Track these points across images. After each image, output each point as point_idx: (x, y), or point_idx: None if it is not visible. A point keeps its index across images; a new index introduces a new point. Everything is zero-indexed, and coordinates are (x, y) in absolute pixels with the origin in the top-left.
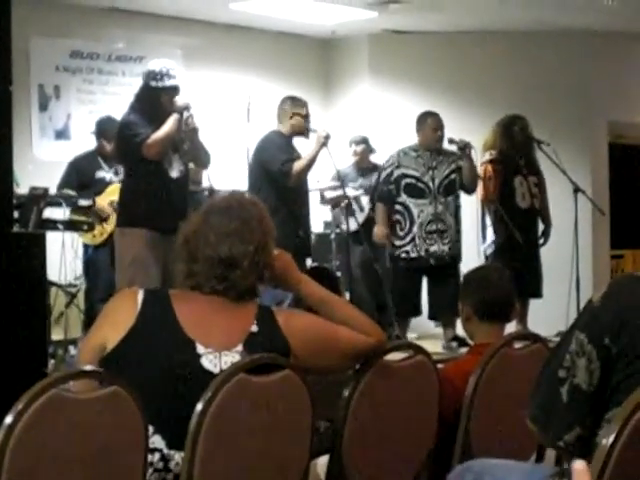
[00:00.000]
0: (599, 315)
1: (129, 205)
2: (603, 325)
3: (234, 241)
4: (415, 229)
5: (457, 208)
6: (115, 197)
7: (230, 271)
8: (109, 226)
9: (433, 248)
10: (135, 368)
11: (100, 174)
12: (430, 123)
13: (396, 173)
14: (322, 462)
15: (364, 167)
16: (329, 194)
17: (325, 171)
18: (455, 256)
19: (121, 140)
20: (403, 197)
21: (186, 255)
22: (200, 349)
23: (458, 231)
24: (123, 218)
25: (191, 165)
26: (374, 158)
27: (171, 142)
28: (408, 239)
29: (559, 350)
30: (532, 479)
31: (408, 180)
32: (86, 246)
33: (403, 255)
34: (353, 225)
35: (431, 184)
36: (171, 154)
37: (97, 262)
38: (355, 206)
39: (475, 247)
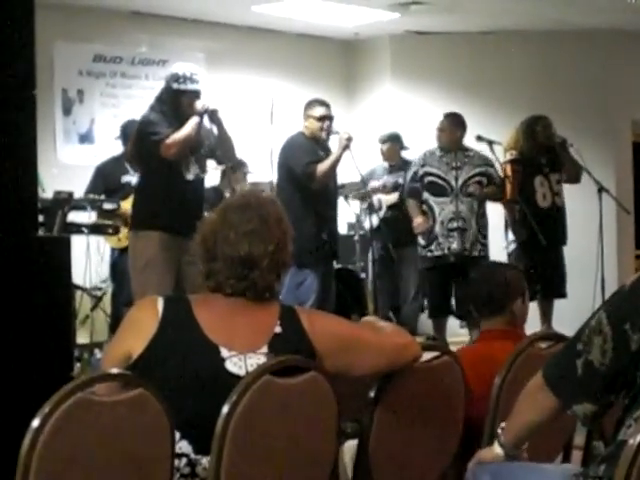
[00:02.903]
0: (625, 300)
1: (143, 207)
2: (626, 310)
3: (253, 240)
4: (437, 227)
5: (485, 213)
6: None
7: (249, 270)
8: None
9: (454, 246)
10: (160, 376)
11: (126, 178)
12: (439, 124)
13: (421, 172)
14: (349, 446)
15: (393, 164)
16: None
17: (349, 173)
18: (476, 257)
19: (140, 138)
20: (425, 195)
21: (204, 254)
22: (224, 353)
23: (482, 233)
24: (137, 221)
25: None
26: (406, 154)
27: (190, 144)
28: (432, 237)
29: (584, 324)
30: None
31: (430, 178)
32: (113, 249)
33: (428, 254)
34: (375, 221)
35: (454, 182)
36: (188, 156)
37: (122, 266)
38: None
39: (501, 247)
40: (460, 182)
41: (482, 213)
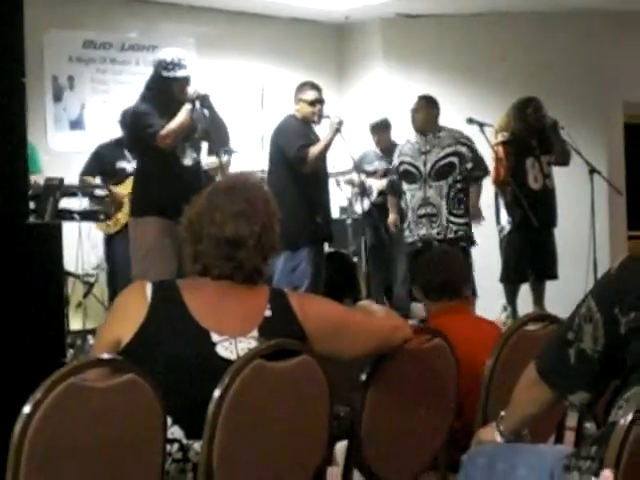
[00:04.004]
0: (613, 285)
1: (142, 194)
2: (614, 295)
3: (240, 221)
4: (410, 214)
5: (458, 192)
6: None
7: (236, 251)
8: (123, 216)
9: (422, 232)
10: (150, 361)
11: (121, 164)
12: (413, 105)
13: (397, 161)
14: (340, 447)
15: (385, 150)
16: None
17: (340, 157)
18: (454, 239)
19: (134, 130)
20: (403, 184)
21: (191, 237)
22: (215, 337)
23: (455, 214)
24: (137, 208)
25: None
26: (395, 138)
27: (184, 132)
28: (406, 224)
29: (573, 312)
30: (547, 461)
31: (404, 167)
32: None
33: (404, 241)
34: (366, 205)
35: (422, 168)
36: (183, 143)
37: (113, 251)
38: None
39: (491, 229)
40: (428, 167)
41: (455, 196)
